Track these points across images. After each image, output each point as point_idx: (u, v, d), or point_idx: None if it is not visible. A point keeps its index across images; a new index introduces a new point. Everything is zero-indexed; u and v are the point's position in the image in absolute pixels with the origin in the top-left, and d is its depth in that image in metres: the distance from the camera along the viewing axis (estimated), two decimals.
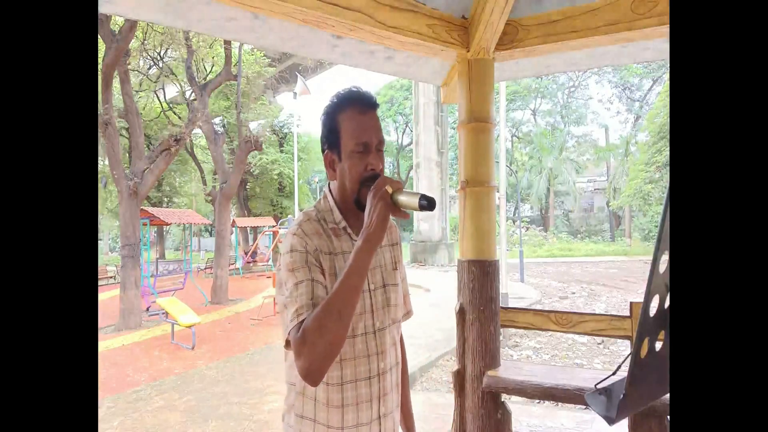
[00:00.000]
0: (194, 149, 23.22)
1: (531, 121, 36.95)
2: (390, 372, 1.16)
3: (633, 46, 2.61)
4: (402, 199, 0.98)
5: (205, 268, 20.22)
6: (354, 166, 1.09)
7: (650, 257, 0.71)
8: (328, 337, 0.95)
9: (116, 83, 10.76)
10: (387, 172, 1.18)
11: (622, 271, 17.50)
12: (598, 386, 0.81)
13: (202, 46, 13.28)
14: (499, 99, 11.04)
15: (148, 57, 15.22)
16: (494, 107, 2.65)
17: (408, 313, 1.32)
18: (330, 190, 1.17)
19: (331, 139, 1.12)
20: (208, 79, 14.76)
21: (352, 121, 1.09)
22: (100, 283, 15.77)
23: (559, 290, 12.93)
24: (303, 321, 0.98)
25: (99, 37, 9.11)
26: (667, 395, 0.69)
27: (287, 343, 1.05)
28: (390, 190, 0.99)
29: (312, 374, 0.96)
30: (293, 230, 1.09)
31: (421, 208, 0.95)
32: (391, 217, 1.00)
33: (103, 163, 15.77)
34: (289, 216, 11.67)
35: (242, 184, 23.07)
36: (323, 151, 1.15)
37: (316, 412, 1.10)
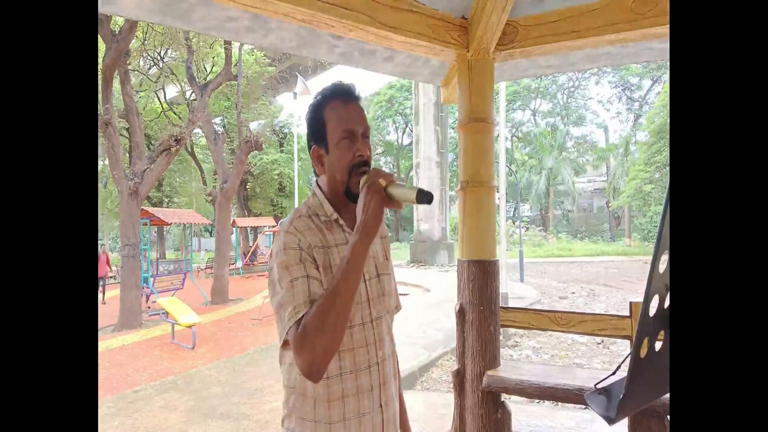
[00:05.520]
0: (194, 149, 23.25)
1: (531, 121, 36.96)
2: (388, 360, 1.16)
3: (633, 46, 2.62)
4: (396, 192, 0.99)
5: (206, 268, 20.20)
6: (342, 154, 1.10)
7: (650, 257, 0.71)
8: (329, 333, 0.94)
9: (116, 83, 10.78)
10: (388, 172, 1.18)
11: (622, 271, 17.51)
12: (598, 386, 0.80)
13: (202, 46, 13.29)
14: (499, 99, 11.04)
15: (148, 57, 15.24)
16: (494, 107, 2.64)
17: (397, 307, 1.31)
18: (319, 186, 1.18)
19: (317, 133, 1.13)
20: (208, 79, 14.77)
21: (336, 111, 1.11)
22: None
23: (559, 290, 12.93)
24: (301, 319, 0.97)
25: (99, 37, 9.11)
26: (667, 395, 0.69)
27: (285, 343, 1.03)
28: (383, 184, 1.00)
29: (314, 371, 0.96)
30: (285, 228, 1.08)
31: (419, 201, 0.96)
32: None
33: (103, 163, 15.79)
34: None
35: (242, 184, 23.09)
36: (310, 147, 1.16)
37: (316, 410, 1.08)
